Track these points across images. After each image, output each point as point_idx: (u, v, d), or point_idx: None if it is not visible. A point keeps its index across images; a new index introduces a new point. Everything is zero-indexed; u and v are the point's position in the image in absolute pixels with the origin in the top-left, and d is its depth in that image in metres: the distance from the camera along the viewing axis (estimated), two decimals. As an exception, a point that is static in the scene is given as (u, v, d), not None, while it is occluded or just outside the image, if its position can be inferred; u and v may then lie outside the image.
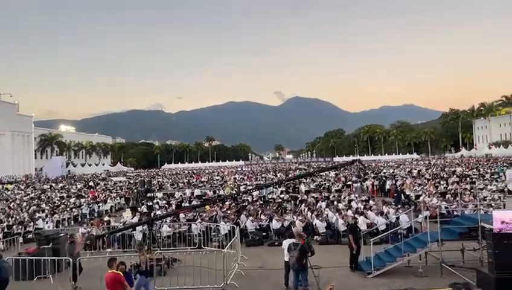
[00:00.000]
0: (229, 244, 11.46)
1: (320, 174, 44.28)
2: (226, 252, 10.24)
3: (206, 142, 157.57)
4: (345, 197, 21.84)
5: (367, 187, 29.99)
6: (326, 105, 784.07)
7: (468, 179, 29.84)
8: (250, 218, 16.58)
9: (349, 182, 32.42)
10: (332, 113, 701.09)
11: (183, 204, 23.62)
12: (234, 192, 26.10)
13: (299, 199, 22.78)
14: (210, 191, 30.07)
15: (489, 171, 35.75)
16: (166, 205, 22.98)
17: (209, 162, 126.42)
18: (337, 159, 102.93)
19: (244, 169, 71.88)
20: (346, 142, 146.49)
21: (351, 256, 11.33)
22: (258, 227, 16.26)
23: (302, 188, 28.76)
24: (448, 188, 24.20)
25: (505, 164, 42.42)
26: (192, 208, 18.30)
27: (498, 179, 27.51)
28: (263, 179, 40.96)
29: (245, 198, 23.71)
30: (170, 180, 47.23)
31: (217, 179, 45.06)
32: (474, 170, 37.76)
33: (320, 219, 15.94)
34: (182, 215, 17.88)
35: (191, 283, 9.83)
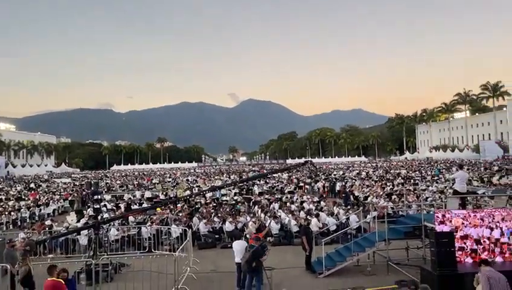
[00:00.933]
0: (180, 247, 11.16)
1: (274, 176, 44.84)
2: (177, 256, 9.94)
3: (158, 143, 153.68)
4: (297, 199, 22.16)
5: (318, 189, 30.68)
6: (279, 108, 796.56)
7: (411, 180, 31.49)
8: (203, 220, 16.31)
9: (302, 184, 33.01)
10: (286, 116, 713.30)
11: (132, 207, 22.76)
12: (186, 194, 25.62)
13: (253, 200, 22.80)
14: (161, 194, 29.28)
15: (430, 173, 37.99)
16: (115, 208, 22.04)
17: (160, 163, 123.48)
18: (290, 161, 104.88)
19: (197, 171, 70.99)
20: (299, 145, 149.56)
21: (306, 257, 11.47)
22: (211, 229, 16.03)
23: (256, 190, 28.86)
24: (394, 189, 25.35)
25: (442, 167, 45.26)
26: (142, 210, 17.67)
27: (438, 181, 29.28)
28: (216, 181, 40.61)
29: (198, 200, 23.33)
30: (119, 182, 45.50)
31: (169, 181, 44.08)
32: (417, 172, 39.97)
33: (276, 220, 16.03)
34: (131, 218, 17.20)
35: (140, 289, 9.44)
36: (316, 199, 23.05)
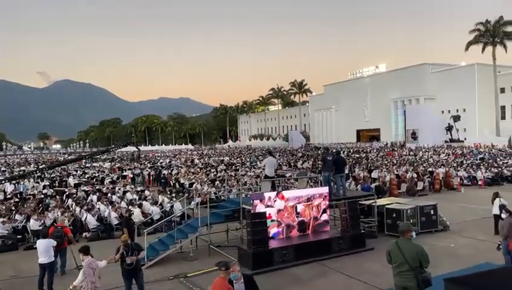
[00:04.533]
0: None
1: (94, 165, 41.28)
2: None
3: None
4: (119, 189, 20.90)
5: (143, 177, 29.72)
6: (102, 92, 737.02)
7: (233, 167, 33.78)
8: (1, 219, 13.67)
9: (125, 173, 31.36)
10: (109, 101, 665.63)
11: None
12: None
13: (67, 193, 20.37)
14: None
15: (249, 159, 41.57)
16: None
17: None
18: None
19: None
20: (124, 132, 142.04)
21: (127, 250, 10.86)
22: (12, 229, 13.58)
23: (71, 181, 25.91)
24: (217, 175, 26.67)
25: (259, 154, 50.23)
26: None
27: (255, 166, 32.27)
28: (21, 172, 34.75)
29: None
30: None
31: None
32: (238, 159, 43.18)
33: (93, 213, 14.69)
34: None
35: None
36: (140, 188, 22.23)
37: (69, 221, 13.84)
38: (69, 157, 41.27)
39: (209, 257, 10.93)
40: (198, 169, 31.56)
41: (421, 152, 42.04)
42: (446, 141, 54.72)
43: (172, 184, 25.38)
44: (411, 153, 42.34)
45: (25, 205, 16.56)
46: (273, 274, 9.45)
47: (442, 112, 63.95)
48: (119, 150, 64.08)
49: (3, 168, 40.19)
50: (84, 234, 14.15)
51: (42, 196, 19.58)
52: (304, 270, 9.70)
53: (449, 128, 57.08)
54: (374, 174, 23.80)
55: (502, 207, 11.07)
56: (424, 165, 28.36)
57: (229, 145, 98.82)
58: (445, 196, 20.11)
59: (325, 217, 11.59)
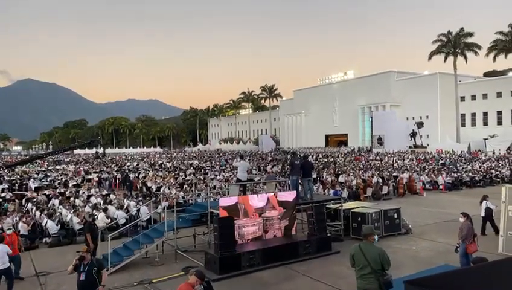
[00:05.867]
0: None
1: (57, 168, 39.81)
2: None
3: None
4: (83, 192, 20.24)
5: (110, 181, 28.90)
6: (66, 92, 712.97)
7: (202, 170, 33.49)
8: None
9: (90, 176, 30.39)
10: (74, 101, 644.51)
11: None
12: None
13: (27, 197, 19.51)
14: None
15: (219, 163, 41.35)
16: None
17: None
18: (78, 151, 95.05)
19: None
20: (90, 134, 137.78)
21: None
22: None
23: (31, 184, 24.83)
24: (186, 179, 26.33)
25: (228, 157, 50.08)
26: None
27: (225, 170, 32.14)
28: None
29: None
30: None
31: None
32: (208, 163, 42.85)
33: (53, 218, 14.12)
34: None
35: None
36: (105, 192, 21.60)
37: (28, 225, 13.29)
38: (30, 167, 39.50)
39: (175, 262, 10.75)
40: (166, 173, 31.08)
41: (386, 157, 43.30)
42: (410, 147, 56.71)
43: (139, 188, 24.86)
44: (377, 158, 43.51)
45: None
46: (240, 279, 9.42)
47: (407, 118, 66.21)
48: (84, 151, 62.15)
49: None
50: (44, 239, 13.58)
51: (0, 200, 18.64)
52: (271, 274, 9.73)
53: (413, 135, 59.21)
54: (341, 179, 24.28)
55: (487, 210, 11.93)
56: (389, 170, 29.22)
57: (198, 149, 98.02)
58: (408, 200, 20.78)
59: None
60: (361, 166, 32.97)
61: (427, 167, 32.15)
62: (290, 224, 11.60)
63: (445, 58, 57.05)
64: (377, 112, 68.46)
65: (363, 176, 24.73)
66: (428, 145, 56.28)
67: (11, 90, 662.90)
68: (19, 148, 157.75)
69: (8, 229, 10.50)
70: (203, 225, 11.96)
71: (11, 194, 20.74)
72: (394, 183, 23.15)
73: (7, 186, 23.96)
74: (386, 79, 71.97)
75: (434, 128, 62.96)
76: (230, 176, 26.32)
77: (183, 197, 18.78)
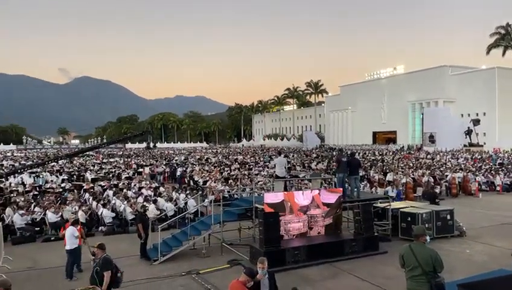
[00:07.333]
0: (-15, 245, 9.33)
1: (110, 161, 41.97)
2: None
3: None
4: (135, 185, 21.21)
5: (159, 174, 30.05)
6: (120, 89, 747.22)
7: (247, 166, 33.86)
8: (20, 211, 14.02)
9: (141, 169, 31.78)
10: (127, 98, 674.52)
11: None
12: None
13: (84, 187, 20.78)
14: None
15: (262, 159, 41.59)
16: None
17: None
18: (130, 145, 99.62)
19: (16, 155, 60.78)
20: (140, 129, 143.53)
21: (141, 244, 11.04)
22: (30, 221, 13.93)
23: (88, 176, 26.40)
24: (231, 173, 26.78)
25: (272, 153, 50.16)
26: None
27: (269, 166, 32.27)
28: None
29: (14, 188, 19.99)
30: None
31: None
32: (252, 158, 43.24)
33: (108, 207, 14.97)
34: None
35: None
36: (155, 184, 22.50)
37: (86, 214, 14.16)
38: (84, 160, 42.09)
39: (221, 255, 11.01)
40: (212, 167, 31.75)
41: (438, 156, 41.35)
42: (465, 145, 53.68)
43: (186, 181, 25.61)
44: (428, 156, 41.67)
45: (44, 198, 16.95)
46: (285, 274, 9.44)
47: (462, 115, 62.75)
48: (135, 145, 64.88)
49: (23, 162, 41.17)
50: (100, 228, 14.43)
51: (60, 190, 20.02)
52: (316, 271, 9.69)
53: (468, 132, 55.96)
54: (389, 177, 23.53)
55: None
56: (441, 169, 27.89)
57: (243, 144, 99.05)
58: (462, 201, 19.77)
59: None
60: (411, 164, 31.74)
61: (483, 166, 30.32)
62: (335, 222, 11.46)
63: (504, 52, 53.33)
64: (428, 108, 65.42)
65: (413, 174, 23.80)
66: (485, 143, 52.97)
67: (70, 87, 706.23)
68: (76, 141, 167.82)
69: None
70: (248, 219, 12.12)
71: (70, 185, 22.18)
72: (447, 183, 22.10)
73: (67, 177, 25.64)
74: (439, 74, 68.53)
75: (491, 126, 59.06)
76: (274, 172, 26.36)
77: (228, 192, 19.11)
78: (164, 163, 37.12)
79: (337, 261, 10.18)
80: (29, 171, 26.33)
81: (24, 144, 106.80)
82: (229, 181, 22.54)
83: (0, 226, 10.86)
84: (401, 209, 12.68)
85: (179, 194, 17.43)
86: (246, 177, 23.82)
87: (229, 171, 28.29)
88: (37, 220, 14.19)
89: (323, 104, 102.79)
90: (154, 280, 9.31)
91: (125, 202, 15.53)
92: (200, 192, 17.23)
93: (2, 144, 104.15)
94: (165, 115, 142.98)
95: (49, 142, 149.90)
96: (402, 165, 31.44)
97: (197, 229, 11.38)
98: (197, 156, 50.01)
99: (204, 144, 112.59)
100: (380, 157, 41.08)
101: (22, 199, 16.70)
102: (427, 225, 11.72)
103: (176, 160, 42.15)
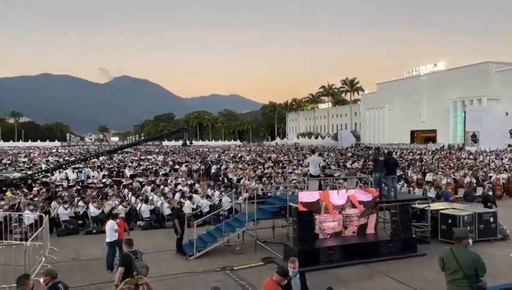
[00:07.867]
0: (33, 235, 9.89)
1: (148, 158, 43.21)
2: (28, 245, 8.77)
3: (11, 118, 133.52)
4: (171, 181, 21.74)
5: (194, 171, 30.63)
6: (156, 88, 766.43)
7: (280, 164, 33.81)
8: (65, 205, 14.75)
9: (177, 166, 32.51)
10: (163, 96, 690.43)
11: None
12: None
13: (123, 183, 21.55)
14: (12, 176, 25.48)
15: (296, 157, 41.37)
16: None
17: (14, 141, 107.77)
18: (166, 143, 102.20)
19: (60, 151, 63.91)
20: (176, 127, 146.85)
21: (177, 240, 11.32)
22: (74, 215, 14.63)
23: (127, 172, 27.34)
24: (264, 172, 26.85)
25: (306, 152, 49.74)
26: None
27: (302, 165, 32.05)
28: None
29: (59, 183, 21.04)
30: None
31: (24, 161, 38.70)
32: (286, 157, 43.12)
33: (147, 203, 15.45)
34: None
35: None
36: (190, 181, 22.96)
37: (125, 208, 14.68)
38: (127, 156, 43.73)
39: (255, 252, 11.09)
40: (246, 165, 31.96)
41: (481, 156, 39.49)
42: (509, 145, 50.93)
43: (221, 179, 25.94)
44: (470, 156, 39.89)
45: (86, 193, 17.74)
46: (319, 273, 9.37)
47: (507, 113, 59.51)
48: (171, 143, 66.35)
49: (67, 158, 43.22)
50: (138, 222, 14.92)
51: (101, 185, 20.87)
52: (351, 272, 9.55)
53: (514, 132, 53.07)
54: (428, 177, 22.76)
55: None
56: (485, 169, 26.63)
57: (276, 143, 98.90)
58: (506, 203, 18.79)
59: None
60: (452, 165, 30.51)
61: (530, 168, 28.63)
62: (370, 222, 11.23)
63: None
64: (471, 106, 62.59)
65: (454, 175, 22.88)
66: (532, 143, 50.03)
67: (109, 86, 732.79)
68: (116, 138, 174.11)
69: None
70: (281, 217, 12.13)
71: (111, 180, 23.07)
72: (490, 185, 21.07)
73: (107, 173, 26.68)
74: (482, 70, 65.36)
75: (540, 125, 55.67)
76: (308, 170, 26.15)
77: (262, 190, 19.19)
78: (199, 161, 37.77)
79: (372, 262, 9.99)
80: (73, 166, 27.56)
81: (68, 141, 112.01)
82: (263, 179, 22.61)
83: (46, 219, 11.49)
84: (441, 211, 12.25)
85: (214, 191, 17.70)
86: (280, 175, 23.80)
87: (262, 169, 28.38)
88: (80, 213, 14.87)
89: (358, 102, 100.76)
90: (190, 274, 9.53)
91: (163, 197, 15.97)
92: (234, 190, 17.42)
93: (47, 140, 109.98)
94: (200, 114, 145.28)
95: (91, 139, 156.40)
96: (442, 165, 30.30)
97: (231, 226, 11.52)
98: (230, 154, 50.46)
99: (238, 142, 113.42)
100: (418, 156, 39.78)
101: (66, 193, 17.55)
102: (468, 228, 11.26)
103: (211, 157, 42.78)
